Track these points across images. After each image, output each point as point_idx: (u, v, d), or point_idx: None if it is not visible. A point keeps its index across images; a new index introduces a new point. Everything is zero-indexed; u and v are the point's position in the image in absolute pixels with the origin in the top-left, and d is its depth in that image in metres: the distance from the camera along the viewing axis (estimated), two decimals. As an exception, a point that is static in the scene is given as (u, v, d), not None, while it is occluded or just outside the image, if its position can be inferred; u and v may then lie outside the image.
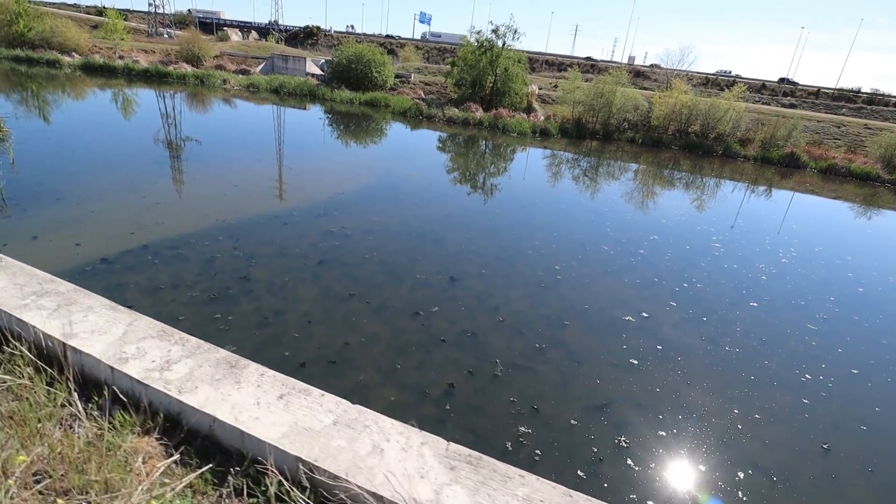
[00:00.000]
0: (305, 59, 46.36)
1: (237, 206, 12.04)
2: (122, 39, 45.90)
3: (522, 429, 5.79)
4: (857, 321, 9.71)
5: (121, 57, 42.34)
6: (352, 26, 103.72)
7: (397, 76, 43.33)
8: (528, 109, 36.34)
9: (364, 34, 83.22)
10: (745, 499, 5.21)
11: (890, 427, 6.70)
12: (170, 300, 7.68)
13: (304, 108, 32.62)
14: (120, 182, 13.02)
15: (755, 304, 9.83)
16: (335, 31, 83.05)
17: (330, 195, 13.84)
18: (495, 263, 10.40)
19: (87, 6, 79.60)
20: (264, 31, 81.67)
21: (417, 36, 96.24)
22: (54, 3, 73.71)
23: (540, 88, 41.59)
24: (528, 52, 41.04)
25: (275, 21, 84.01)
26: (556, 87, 42.97)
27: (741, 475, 5.52)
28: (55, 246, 9.07)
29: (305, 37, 77.16)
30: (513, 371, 6.85)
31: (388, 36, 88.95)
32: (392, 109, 34.17)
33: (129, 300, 7.54)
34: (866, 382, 7.67)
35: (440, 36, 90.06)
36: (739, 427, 6.28)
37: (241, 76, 40.80)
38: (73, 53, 41.75)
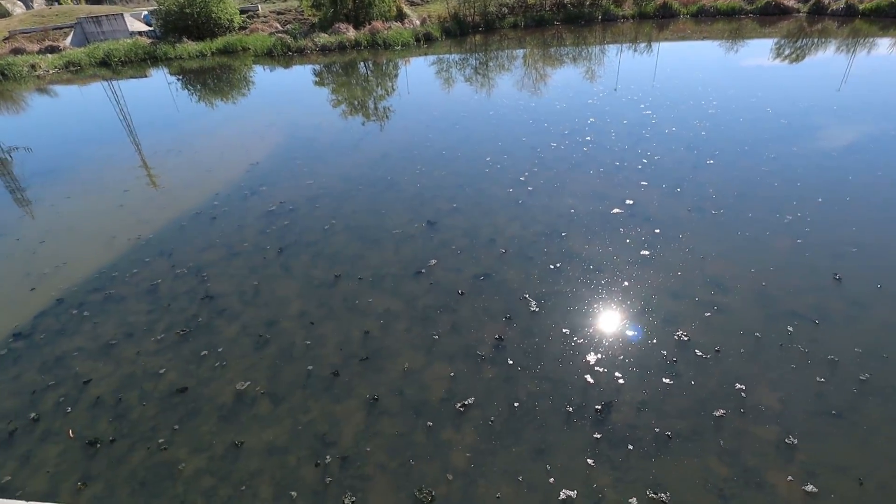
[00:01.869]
0: (122, 15, 38.73)
1: (143, 215, 10.08)
2: None
3: (594, 355, 5.59)
4: (797, 152, 10.42)
5: None
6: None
7: (242, 12, 37.90)
8: (400, 17, 33.65)
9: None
10: (802, 348, 5.49)
11: (877, 239, 7.35)
12: (134, 355, 6.34)
13: (147, 76, 27.69)
14: (-24, 229, 10.31)
15: (712, 162, 10.17)
16: (141, -26, 69.74)
17: (245, 169, 12.03)
18: (462, 194, 9.74)
19: None
20: (52, -8, 66.48)
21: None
22: None
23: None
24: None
25: (60, -23, 68.30)
26: (418, -16, 39.89)
27: (790, 329, 5.79)
28: (-59, 337, 7.05)
29: (108, -11, 64.18)
30: (545, 301, 6.54)
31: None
32: (253, 52, 30.09)
33: (83, 372, 6.12)
34: (835, 207, 8.30)
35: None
36: (764, 284, 6.54)
37: (50, 56, 33.35)
38: None
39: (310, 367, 5.81)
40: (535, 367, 5.50)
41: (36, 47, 36.15)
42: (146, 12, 40.86)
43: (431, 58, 25.44)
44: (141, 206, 10.55)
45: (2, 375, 6.28)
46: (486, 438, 4.79)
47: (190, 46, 31.55)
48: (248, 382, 5.69)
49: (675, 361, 5.44)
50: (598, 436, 4.70)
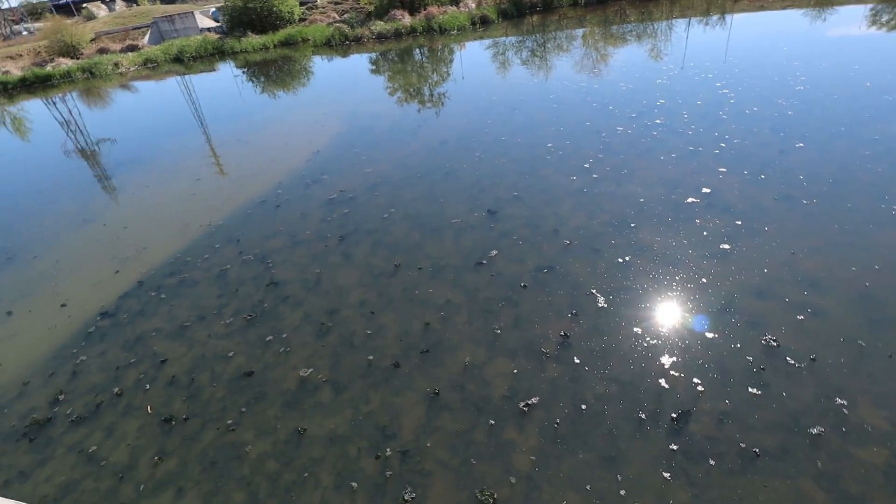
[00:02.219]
0: (193, 13, 40.68)
1: (212, 203, 10.50)
2: (-23, 49, 39.14)
3: (669, 358, 5.21)
4: (904, 130, 9.26)
5: (-15, 70, 36.26)
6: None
7: (302, 4, 38.76)
8: (455, 0, 33.15)
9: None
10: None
11: None
12: (206, 337, 6.60)
13: (214, 70, 28.93)
14: (66, 216, 11.17)
15: (802, 145, 9.24)
16: (211, -29, 72.78)
17: (306, 158, 12.26)
18: (523, 181, 9.41)
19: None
20: (132, -8, 71.05)
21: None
22: None
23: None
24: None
25: (138, -22, 72.98)
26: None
27: (901, 333, 5.13)
28: (39, 315, 7.68)
29: (181, -14, 67.57)
30: (614, 297, 6.17)
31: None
32: (313, 42, 30.70)
33: (160, 352, 6.44)
34: (952, 192, 7.30)
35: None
36: (867, 285, 5.84)
37: (130, 54, 35.69)
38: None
39: (370, 357, 5.79)
40: (604, 368, 5.20)
41: (118, 46, 38.78)
42: (214, 9, 42.68)
43: (487, 41, 24.89)
44: (211, 194, 11.01)
45: (91, 351, 6.73)
46: (550, 441, 4.57)
47: (254, 40, 32.67)
48: (311, 370, 5.76)
49: (762, 369, 4.96)
50: (675, 447, 4.36)
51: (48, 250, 9.65)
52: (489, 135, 11.94)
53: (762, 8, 23.84)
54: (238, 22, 35.16)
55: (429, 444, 4.68)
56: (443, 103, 15.58)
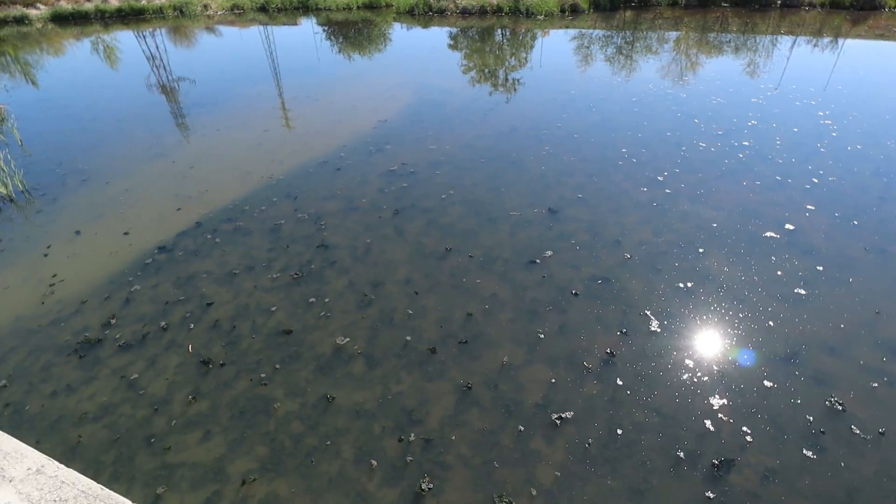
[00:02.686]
0: (287, -37, 41.18)
1: (276, 156, 10.66)
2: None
3: (719, 399, 4.86)
4: None
5: (89, 0, 38.29)
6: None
7: (392, -32, 38.41)
8: (548, -15, 32.02)
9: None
10: None
11: None
12: (252, 288, 6.72)
13: (296, 24, 29.32)
14: (140, 147, 11.65)
15: (907, 192, 8.36)
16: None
17: (373, 125, 12.23)
18: (590, 183, 9.01)
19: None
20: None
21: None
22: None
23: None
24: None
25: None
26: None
27: None
28: (103, 239, 8.06)
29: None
30: (669, 322, 5.82)
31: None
32: (396, 9, 30.54)
33: (208, 294, 6.61)
34: None
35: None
36: (963, 358, 5.22)
37: (222, -3, 36.70)
38: (38, 5, 37.87)
39: (408, 338, 5.72)
40: (647, 396, 4.91)
41: (211, -13, 39.82)
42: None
43: (573, 31, 23.97)
44: (276, 147, 11.18)
45: (145, 282, 7.00)
46: (579, 460, 4.37)
47: (340, -2, 32.82)
48: (348, 339, 5.76)
49: (822, 432, 4.54)
50: (711, 495, 4.07)
51: (120, 178, 10.10)
52: (562, 129, 11.50)
53: (881, 36, 21.73)
54: (327, -21, 35.34)
55: (453, 438, 4.58)
56: (516, 89, 15.15)
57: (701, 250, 7.09)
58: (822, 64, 17.15)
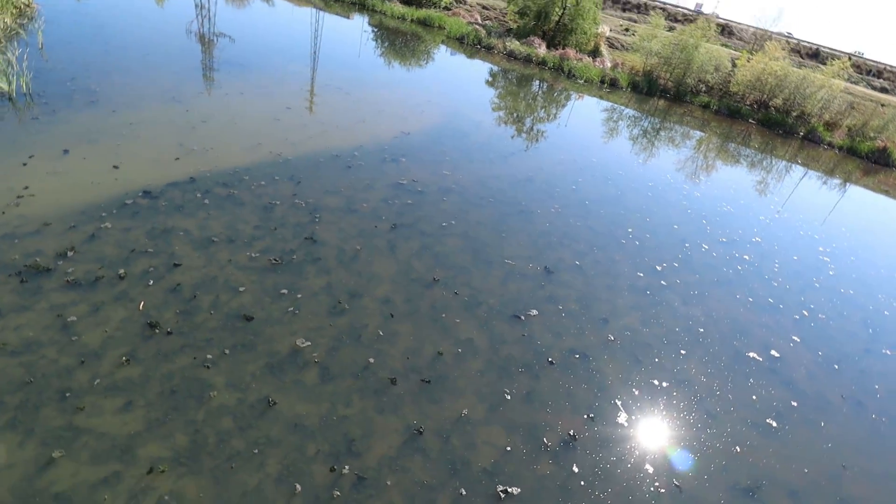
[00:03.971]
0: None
1: (291, 136, 10.40)
2: None
3: (668, 516, 4.59)
4: None
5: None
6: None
7: (456, -5, 39.26)
8: (595, 53, 32.95)
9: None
10: None
11: None
12: (226, 261, 6.35)
13: (348, 17, 29.55)
14: (160, 88, 11.30)
15: (890, 353, 8.38)
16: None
17: (394, 134, 12.09)
18: (591, 253, 8.89)
19: None
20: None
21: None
22: None
23: (610, 30, 37.61)
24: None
25: None
26: (626, 30, 38.97)
27: None
28: (90, 166, 7.64)
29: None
30: (637, 418, 5.58)
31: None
32: (447, 33, 30.99)
33: (179, 255, 6.22)
34: None
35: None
36: (918, 538, 5.05)
37: (285, -30, 36.96)
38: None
39: (371, 360, 5.39)
40: (601, 492, 4.62)
41: (277, -42, 40.03)
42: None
43: (606, 103, 24.45)
44: (293, 127, 10.93)
45: (117, 223, 6.58)
46: (514, 543, 4.04)
47: (396, 7, 33.27)
48: (309, 343, 5.40)
49: (770, 579, 4.28)
50: None
51: (128, 110, 9.72)
52: (575, 193, 11.47)
53: (887, 192, 22.55)
54: (390, -16, 35.92)
55: (389, 483, 4.22)
56: (539, 141, 15.21)
57: (683, 352, 6.93)
58: (825, 200, 17.61)
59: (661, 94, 29.89)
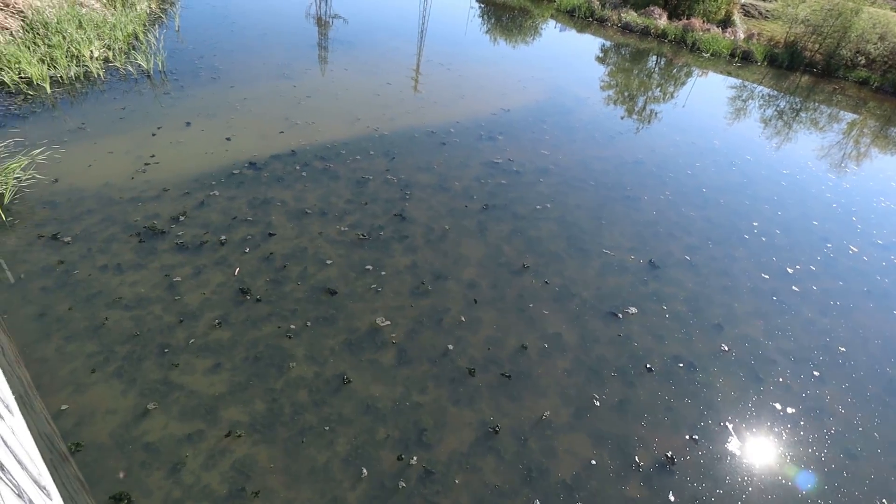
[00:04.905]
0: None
1: (389, 112, 10.37)
2: None
3: (786, 569, 3.84)
4: None
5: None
6: None
7: (569, -36, 37.07)
8: (725, 23, 29.34)
9: None
10: None
11: None
12: (316, 233, 6.43)
13: (459, -7, 29.04)
14: (273, 65, 11.86)
15: None
16: None
17: (492, 110, 11.61)
18: (706, 248, 7.84)
19: None
20: None
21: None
22: None
23: (746, -3, 33.23)
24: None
25: None
26: (767, -3, 34.16)
27: None
28: (207, 137, 8.17)
29: None
30: (752, 448, 4.76)
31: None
32: (557, 5, 29.37)
33: (275, 224, 6.41)
34: None
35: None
36: None
37: (398, -52, 37.38)
38: None
39: (450, 347, 5.14)
40: (700, 527, 3.98)
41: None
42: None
43: (734, 80, 21.65)
44: (392, 102, 10.91)
45: (224, 191, 6.95)
46: (591, 569, 3.59)
47: (507, -21, 32.17)
48: (388, 323, 5.28)
49: None
50: None
51: (244, 86, 10.29)
52: (691, 178, 10.23)
53: None
54: (500, -42, 34.86)
55: (457, 481, 3.96)
56: (651, 122, 13.80)
57: (816, 373, 5.84)
58: None
59: (806, 69, 25.95)
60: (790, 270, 7.75)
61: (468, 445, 4.23)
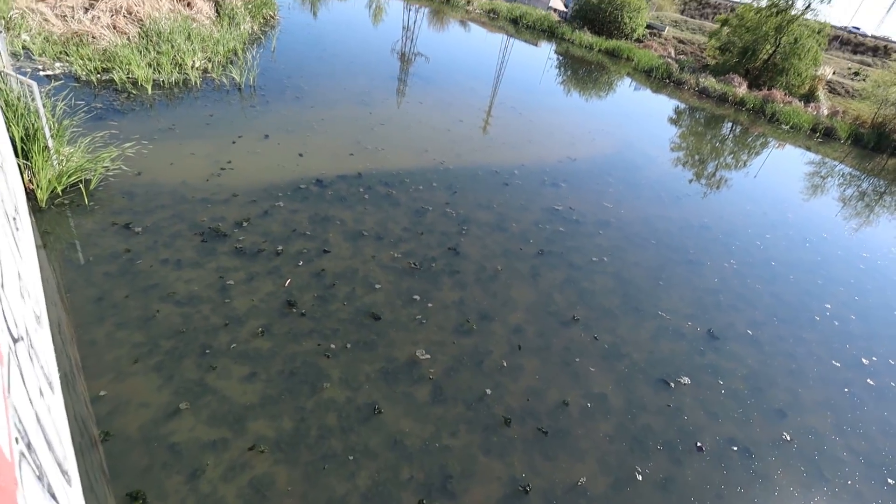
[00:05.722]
0: (552, -11, 42.58)
1: (457, 148, 10.52)
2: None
3: None
4: None
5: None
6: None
7: (648, 27, 37.49)
8: (808, 97, 28.35)
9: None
10: None
11: None
12: (369, 256, 6.46)
13: (535, 45, 29.87)
14: (353, 92, 12.43)
15: None
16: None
17: (558, 158, 11.55)
18: (772, 325, 7.27)
19: None
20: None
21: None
22: None
23: (833, 73, 32.15)
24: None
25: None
26: (856, 74, 32.95)
27: None
28: (281, 151, 8.56)
29: (555, -35, 71.58)
30: None
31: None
32: (635, 65, 29.48)
33: (331, 242, 6.50)
34: None
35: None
36: None
37: (484, 0, 39.21)
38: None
39: (488, 391, 4.92)
40: None
41: (476, -13, 42.72)
42: (570, -6, 44.01)
43: (813, 156, 20.62)
44: (462, 139, 11.08)
45: (289, 204, 7.17)
46: None
47: (585, 36, 32.82)
48: (428, 357, 5.14)
49: None
50: None
51: (323, 107, 10.81)
52: (759, 250, 9.65)
53: None
54: (582, 15, 35.74)
55: (479, 538, 3.68)
56: (720, 187, 13.27)
57: (891, 482, 5.15)
58: None
59: (894, 152, 24.45)
60: (865, 362, 7.03)
61: (494, 501, 3.95)
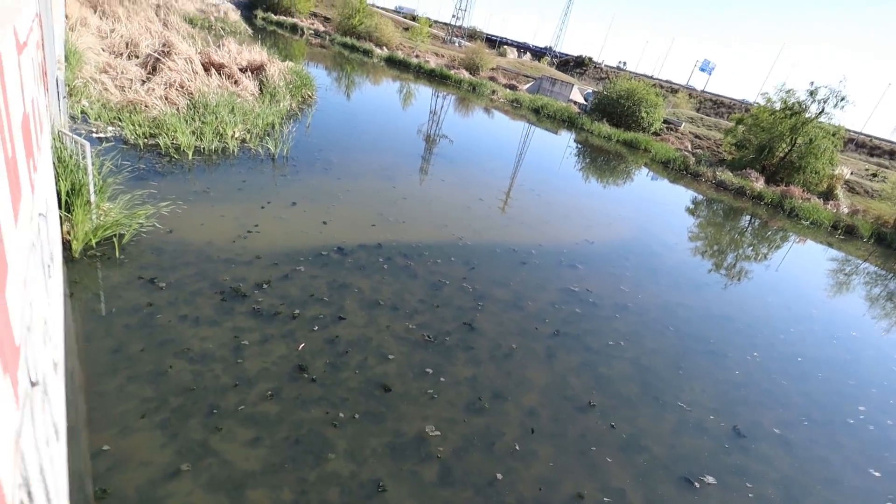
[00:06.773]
0: (573, 85, 45.35)
1: (476, 224, 10.76)
2: (423, 42, 52.09)
3: None
4: None
5: (416, 56, 47.79)
6: (623, 63, 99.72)
7: (665, 122, 39.17)
8: (827, 195, 28.64)
9: (634, 73, 78.58)
10: None
11: None
12: (384, 326, 6.44)
13: (556, 133, 31.30)
14: (379, 166, 13.03)
15: None
16: (605, 65, 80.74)
17: (576, 240, 11.68)
18: (802, 426, 6.85)
19: (404, 13, 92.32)
20: (539, 53, 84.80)
21: (695, 84, 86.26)
22: (381, 7, 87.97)
23: (851, 173, 32.69)
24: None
25: (551, 47, 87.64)
26: (874, 175, 33.42)
27: None
28: (307, 218, 8.86)
29: (576, 65, 76.86)
30: None
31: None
32: (653, 156, 30.48)
33: (347, 310, 6.52)
34: None
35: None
36: None
37: (508, 90, 41.89)
38: (384, 47, 48.70)
39: (498, 476, 4.65)
40: None
41: (504, 81, 45.91)
42: (590, 90, 46.79)
43: (836, 253, 20.44)
44: (481, 216, 11.36)
45: (309, 270, 7.30)
46: None
47: (604, 127, 34.37)
48: (438, 434, 4.94)
49: None
50: None
51: (349, 180, 11.31)
52: (784, 345, 9.33)
53: None
54: (601, 108, 37.67)
55: None
56: (740, 279, 13.13)
57: None
58: None
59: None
60: (911, 478, 6.49)
61: None
